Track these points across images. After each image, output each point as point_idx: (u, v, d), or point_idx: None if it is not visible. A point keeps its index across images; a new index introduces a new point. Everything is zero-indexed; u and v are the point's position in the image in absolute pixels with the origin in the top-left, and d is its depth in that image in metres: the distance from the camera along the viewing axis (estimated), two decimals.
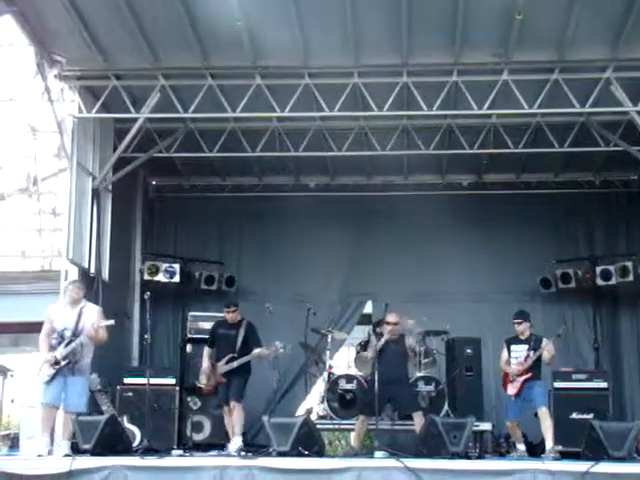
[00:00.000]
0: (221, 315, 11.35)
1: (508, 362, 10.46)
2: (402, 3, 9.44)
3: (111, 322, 9.66)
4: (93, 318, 9.46)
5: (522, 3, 9.33)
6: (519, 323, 10.44)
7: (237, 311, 10.65)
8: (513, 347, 10.46)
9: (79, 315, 9.42)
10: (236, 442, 10.20)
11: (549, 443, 9.99)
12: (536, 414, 10.25)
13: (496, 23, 9.91)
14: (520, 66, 10.68)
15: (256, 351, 10.36)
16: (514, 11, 9.48)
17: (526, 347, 10.34)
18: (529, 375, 10.21)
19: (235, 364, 10.33)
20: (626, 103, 10.69)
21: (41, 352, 9.41)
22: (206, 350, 10.70)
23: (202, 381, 10.61)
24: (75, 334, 9.34)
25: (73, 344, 9.28)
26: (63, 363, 9.26)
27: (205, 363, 10.59)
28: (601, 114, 11.59)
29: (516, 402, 10.32)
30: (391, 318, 10.60)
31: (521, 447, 10.41)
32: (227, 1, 9.37)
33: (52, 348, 9.33)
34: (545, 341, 10.31)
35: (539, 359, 10.25)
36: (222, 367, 10.41)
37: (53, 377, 9.24)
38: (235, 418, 10.33)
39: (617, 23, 9.80)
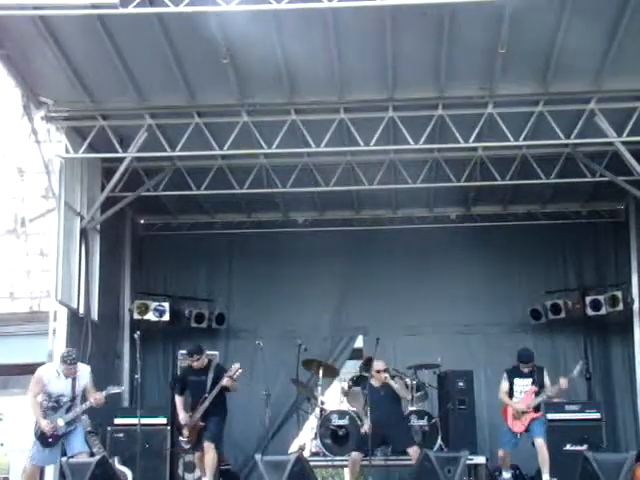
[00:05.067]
0: (212, 353, 11.26)
1: (509, 394, 10.40)
2: (387, 39, 9.50)
3: (122, 389, 9.67)
4: (87, 379, 9.44)
5: (505, 37, 9.40)
6: (531, 366, 10.35)
7: (202, 357, 10.23)
8: (517, 381, 10.38)
9: (74, 380, 9.36)
10: None
11: (545, 476, 9.97)
12: (533, 443, 10.21)
13: (480, 57, 9.97)
14: (505, 99, 10.72)
15: (222, 382, 10.01)
16: (497, 45, 9.55)
17: (530, 381, 10.31)
18: (540, 414, 10.20)
19: (207, 402, 10.04)
20: (611, 134, 10.76)
21: (36, 416, 9.27)
22: (178, 399, 10.36)
23: (185, 435, 10.26)
24: (73, 398, 9.32)
25: (78, 410, 9.28)
26: (69, 428, 9.28)
27: (181, 414, 10.24)
28: (586, 145, 11.66)
29: (516, 435, 10.28)
30: (379, 366, 10.70)
31: (506, 475, 10.38)
32: (213, 39, 9.41)
33: (45, 410, 9.25)
34: (547, 385, 10.26)
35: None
36: (198, 411, 10.14)
37: (54, 440, 9.23)
38: (208, 460, 9.89)
39: (600, 55, 9.87)
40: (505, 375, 10.53)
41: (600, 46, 9.72)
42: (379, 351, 10.96)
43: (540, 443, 10.09)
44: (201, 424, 10.11)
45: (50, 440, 9.19)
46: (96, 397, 9.32)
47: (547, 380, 10.31)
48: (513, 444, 10.31)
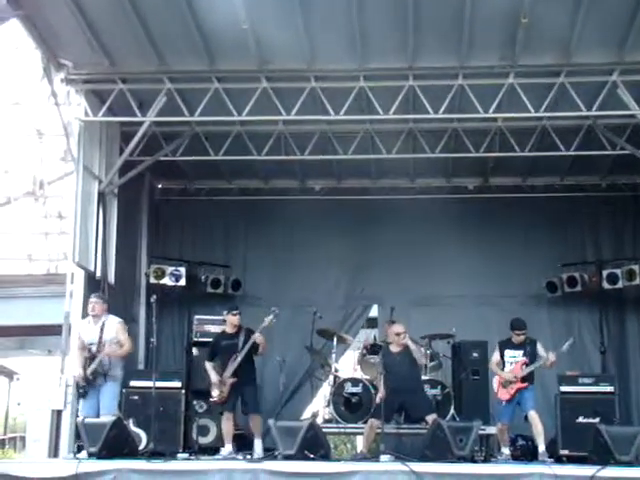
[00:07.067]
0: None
1: (500, 365, 10.47)
2: (408, 6, 9.44)
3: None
4: (113, 331, 9.68)
5: (528, 7, 9.31)
6: (523, 334, 10.39)
7: (238, 315, 10.61)
8: (508, 352, 10.44)
9: (101, 329, 9.64)
10: (259, 444, 10.30)
11: (541, 447, 10.03)
12: (526, 418, 10.27)
13: (502, 27, 9.90)
14: (526, 69, 10.64)
15: (254, 336, 10.29)
16: (520, 15, 9.46)
17: (521, 352, 10.35)
18: (525, 385, 10.24)
19: (239, 358, 10.26)
20: (633, 106, 10.67)
21: (73, 366, 9.84)
22: (208, 364, 10.58)
23: (214, 394, 10.45)
24: (98, 349, 9.59)
25: (97, 359, 9.56)
26: (91, 378, 9.61)
27: (213, 374, 10.48)
28: (608, 117, 11.54)
29: (508, 406, 10.35)
30: (399, 329, 10.61)
31: (506, 451, 10.42)
32: (233, 4, 9.37)
33: (85, 361, 9.67)
34: (543, 355, 10.27)
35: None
36: (228, 369, 10.34)
37: (86, 391, 9.63)
38: (256, 426, 10.41)
39: (623, 26, 9.79)
40: (497, 346, 10.63)
41: (623, 17, 9.63)
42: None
43: (532, 415, 10.15)
44: (232, 380, 10.30)
45: (80, 391, 9.65)
46: (108, 349, 9.60)
47: (542, 352, 10.34)
48: (509, 414, 10.37)
